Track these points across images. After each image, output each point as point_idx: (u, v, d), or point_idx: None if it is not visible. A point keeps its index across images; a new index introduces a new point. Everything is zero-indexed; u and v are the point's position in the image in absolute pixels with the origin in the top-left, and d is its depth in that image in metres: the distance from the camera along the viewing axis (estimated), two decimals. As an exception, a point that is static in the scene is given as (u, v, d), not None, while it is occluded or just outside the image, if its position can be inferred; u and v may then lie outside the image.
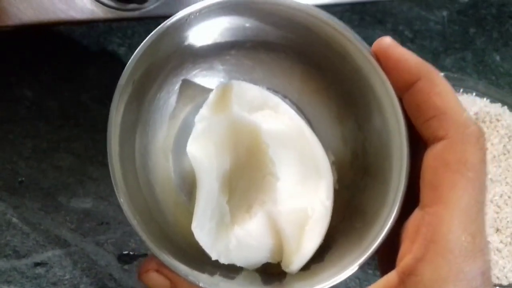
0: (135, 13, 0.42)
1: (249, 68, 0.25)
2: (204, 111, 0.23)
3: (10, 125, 0.43)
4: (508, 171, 0.42)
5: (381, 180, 0.23)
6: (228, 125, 0.23)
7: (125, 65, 0.49)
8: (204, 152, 0.23)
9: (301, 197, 0.22)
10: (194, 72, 0.26)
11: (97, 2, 0.41)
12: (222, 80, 0.25)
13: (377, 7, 0.57)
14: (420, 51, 0.54)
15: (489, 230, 0.39)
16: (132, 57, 0.25)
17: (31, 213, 0.39)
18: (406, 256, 0.20)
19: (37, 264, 0.37)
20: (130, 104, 0.25)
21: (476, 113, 0.44)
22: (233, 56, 0.25)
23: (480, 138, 0.20)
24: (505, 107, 0.46)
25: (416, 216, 0.21)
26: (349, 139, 0.26)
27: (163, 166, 0.25)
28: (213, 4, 0.23)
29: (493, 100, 0.46)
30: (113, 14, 0.42)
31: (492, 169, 0.42)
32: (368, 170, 0.25)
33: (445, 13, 0.58)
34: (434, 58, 0.54)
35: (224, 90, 0.23)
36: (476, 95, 0.46)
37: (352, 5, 0.56)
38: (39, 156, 0.41)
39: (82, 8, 0.41)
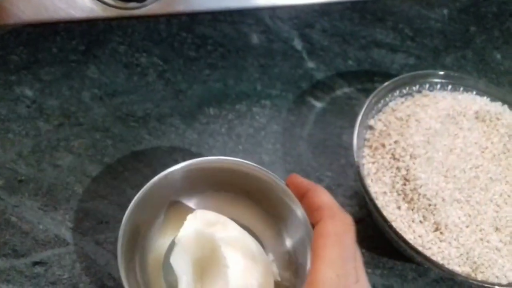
0: (135, 12, 0.42)
1: (212, 202, 0.39)
2: (180, 233, 0.34)
3: (10, 124, 0.43)
4: (508, 170, 0.41)
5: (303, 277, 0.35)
6: (195, 237, 0.34)
7: (125, 63, 0.49)
8: (181, 260, 0.34)
9: (244, 278, 0.33)
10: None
11: (96, 1, 0.41)
12: (193, 208, 0.38)
13: (378, 5, 0.57)
14: (421, 49, 0.54)
15: (489, 229, 0.38)
16: (125, 215, 0.34)
17: (31, 212, 0.39)
18: None
19: (36, 263, 0.37)
20: (129, 241, 0.34)
21: (476, 112, 0.44)
22: (201, 195, 0.39)
23: (336, 218, 0.30)
24: (506, 105, 0.45)
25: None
26: (283, 244, 0.38)
27: (156, 274, 0.36)
28: (192, 163, 0.37)
29: (494, 98, 0.45)
30: (113, 13, 0.42)
31: (492, 168, 0.41)
32: (297, 270, 0.36)
33: (445, 11, 0.58)
34: (434, 56, 0.54)
35: (193, 216, 0.35)
36: (477, 93, 0.46)
37: (352, 3, 0.56)
38: (38, 155, 0.41)
39: (82, 6, 0.41)
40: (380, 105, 0.44)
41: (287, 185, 0.35)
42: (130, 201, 0.35)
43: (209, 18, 0.53)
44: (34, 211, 0.39)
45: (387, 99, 0.44)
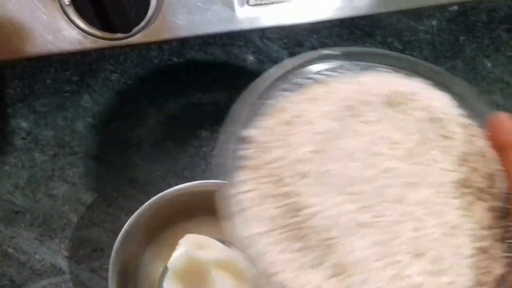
0: (123, 42, 0.43)
1: (205, 225, 0.38)
2: (172, 258, 0.36)
3: (7, 157, 0.44)
4: (430, 166, 0.30)
5: None
6: (187, 262, 0.35)
7: (118, 91, 0.50)
8: (174, 285, 0.35)
9: None
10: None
11: (85, 33, 0.42)
12: (186, 232, 0.39)
13: (366, 20, 0.58)
14: (410, 62, 0.54)
15: (406, 258, 0.27)
16: (116, 243, 0.35)
17: (27, 243, 0.39)
18: None
19: (33, 293, 0.38)
20: (121, 269, 0.35)
21: (386, 96, 0.32)
22: (194, 219, 0.40)
23: None
24: (425, 81, 0.34)
25: None
26: None
27: None
28: (184, 188, 0.38)
29: (409, 74, 0.34)
30: (101, 44, 0.43)
31: (407, 169, 0.29)
32: None
33: (434, 22, 0.58)
34: (424, 68, 0.54)
35: (184, 240, 0.37)
36: (388, 71, 0.34)
37: (341, 20, 0.57)
38: (34, 185, 0.42)
39: (70, 39, 0.42)
40: (260, 106, 0.31)
41: (489, 124, 0.27)
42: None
43: (199, 42, 0.54)
44: (31, 242, 0.39)
45: (267, 95, 0.31)
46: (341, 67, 0.33)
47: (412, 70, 0.34)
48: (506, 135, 0.28)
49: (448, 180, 0.30)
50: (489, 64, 0.55)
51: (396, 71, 0.34)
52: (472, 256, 0.28)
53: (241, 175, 0.28)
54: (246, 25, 0.47)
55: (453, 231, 0.28)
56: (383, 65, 0.34)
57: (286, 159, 0.28)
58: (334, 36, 0.56)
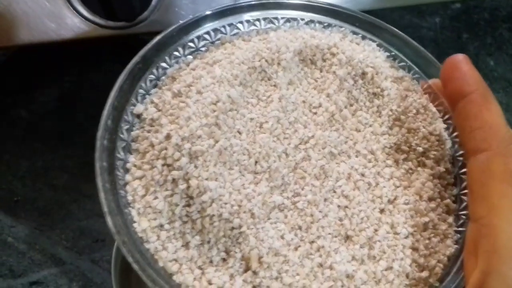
0: (126, 31, 0.43)
1: None
2: None
3: (6, 146, 0.43)
4: (359, 131, 0.26)
5: None
6: None
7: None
8: None
9: None
10: None
11: (87, 21, 0.41)
12: None
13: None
14: (413, 58, 0.54)
15: (333, 243, 0.23)
16: None
17: (27, 232, 0.39)
18: (473, 272, 0.20)
19: (33, 283, 0.37)
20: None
21: (299, 52, 0.27)
22: None
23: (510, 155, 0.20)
24: (346, 29, 0.29)
25: (471, 230, 0.21)
26: None
27: None
28: None
29: (326, 24, 0.29)
30: (104, 32, 0.43)
31: (331, 136, 0.25)
32: None
33: (437, 19, 0.58)
34: (427, 64, 0.54)
35: None
36: (302, 23, 0.29)
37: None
38: (34, 175, 0.42)
39: (72, 27, 0.41)
40: (153, 76, 0.27)
41: (442, 71, 0.23)
42: (125, 218, 0.35)
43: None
44: (31, 231, 0.39)
45: (163, 64, 0.27)
46: (244, 22, 0.28)
47: (328, 15, 0.29)
48: (461, 81, 0.22)
49: (379, 145, 0.25)
50: (491, 63, 0.55)
51: (308, 24, 0.28)
52: (411, 235, 0.23)
53: (132, 160, 0.24)
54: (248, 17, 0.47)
55: (387, 207, 0.24)
56: (292, 16, 0.28)
57: (175, 137, 0.23)
58: (337, 31, 0.56)
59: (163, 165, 0.23)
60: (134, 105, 0.26)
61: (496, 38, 0.57)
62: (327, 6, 0.29)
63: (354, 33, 0.29)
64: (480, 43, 0.57)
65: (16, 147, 0.43)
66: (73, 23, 0.41)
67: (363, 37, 0.29)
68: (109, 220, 0.22)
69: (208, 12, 0.28)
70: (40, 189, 0.41)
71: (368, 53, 0.28)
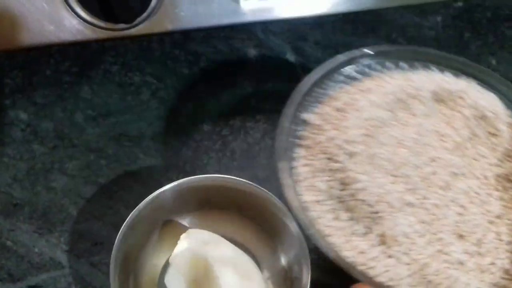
0: (125, 33, 0.43)
1: (205, 220, 0.39)
2: (174, 253, 0.35)
3: (5, 148, 0.43)
4: (476, 160, 0.32)
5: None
6: (189, 257, 0.34)
7: (118, 83, 0.49)
8: (176, 281, 0.34)
9: None
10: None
11: (86, 23, 0.41)
12: (187, 226, 0.38)
13: (370, 15, 0.57)
14: (415, 58, 0.54)
15: (450, 238, 0.30)
16: (117, 237, 0.34)
17: (26, 236, 0.39)
18: None
19: (31, 287, 0.37)
20: (123, 263, 0.34)
21: (434, 93, 0.36)
22: (195, 213, 0.39)
23: None
24: (471, 81, 0.37)
25: None
26: (278, 260, 0.37)
27: None
28: (185, 182, 0.37)
29: (457, 73, 0.37)
30: (103, 34, 0.42)
31: (455, 160, 0.32)
32: (293, 285, 0.35)
33: (439, 18, 0.58)
34: (428, 64, 0.53)
35: (186, 235, 0.36)
36: (436, 69, 0.38)
37: (344, 14, 0.56)
38: (33, 178, 0.42)
39: (71, 29, 0.41)
40: (318, 94, 0.36)
41: None
42: (124, 221, 0.35)
43: (202, 34, 0.53)
44: (29, 235, 0.39)
45: (324, 86, 0.36)
46: (390, 62, 0.38)
47: (459, 70, 0.37)
48: None
49: (492, 174, 0.32)
50: (494, 61, 0.54)
51: (442, 70, 0.37)
52: (511, 243, 0.30)
53: (300, 152, 0.33)
54: (249, 18, 0.47)
55: (495, 220, 0.31)
56: (430, 64, 0.38)
57: (338, 139, 0.33)
58: (338, 30, 0.56)
59: (325, 158, 0.32)
60: (303, 113, 0.35)
61: (498, 37, 0.57)
62: (459, 59, 0.39)
63: (478, 83, 0.37)
64: (482, 42, 0.56)
65: (15, 150, 0.43)
66: (72, 25, 0.41)
67: (485, 87, 0.37)
68: (286, 191, 0.31)
69: (365, 50, 0.38)
70: (39, 192, 0.41)
71: (490, 100, 0.36)
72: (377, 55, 0.37)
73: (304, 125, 0.35)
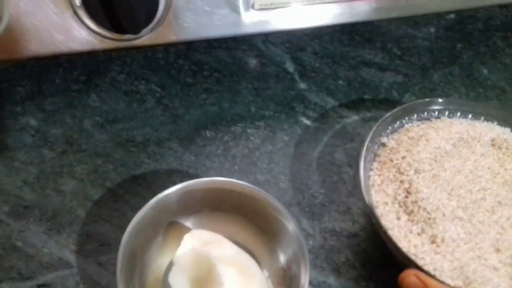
0: (131, 43, 0.44)
1: (208, 221, 0.40)
2: (178, 253, 0.37)
3: (16, 153, 0.45)
4: None
5: None
6: (192, 256, 0.36)
7: (125, 91, 0.51)
8: (180, 280, 0.36)
9: None
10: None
11: (94, 34, 0.43)
12: (190, 227, 0.40)
13: (366, 26, 0.59)
14: (409, 67, 0.56)
15: (489, 249, 0.38)
16: (123, 238, 0.36)
17: (35, 237, 0.40)
18: None
19: (40, 286, 0.38)
20: (128, 263, 0.36)
21: (492, 139, 0.45)
22: (198, 215, 0.41)
23: None
24: None
25: None
26: (277, 259, 0.39)
27: None
28: (188, 185, 0.39)
29: None
30: (110, 44, 0.44)
31: (501, 192, 0.41)
32: (291, 284, 0.37)
33: (432, 29, 0.60)
34: (422, 73, 0.55)
35: (189, 235, 0.37)
36: (498, 123, 0.47)
37: (342, 26, 0.58)
38: (43, 181, 0.43)
39: (80, 39, 0.43)
40: (395, 125, 0.46)
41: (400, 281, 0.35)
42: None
43: (205, 45, 0.56)
44: (39, 236, 0.40)
45: (403, 120, 0.46)
46: (460, 111, 0.47)
47: None
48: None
49: None
50: (485, 71, 0.56)
51: (502, 125, 0.47)
52: None
53: (375, 165, 0.43)
54: (251, 29, 0.49)
55: None
56: (492, 117, 0.47)
57: (407, 159, 0.42)
58: (335, 41, 0.58)
59: (396, 171, 0.42)
60: (382, 137, 0.45)
61: (490, 47, 0.59)
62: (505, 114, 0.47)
63: None
64: (474, 52, 0.58)
65: (25, 154, 0.45)
66: (80, 35, 0.42)
67: None
68: (363, 187, 0.40)
69: (440, 100, 0.47)
70: (48, 195, 0.43)
71: None
72: (449, 104, 0.47)
73: (382, 146, 0.45)
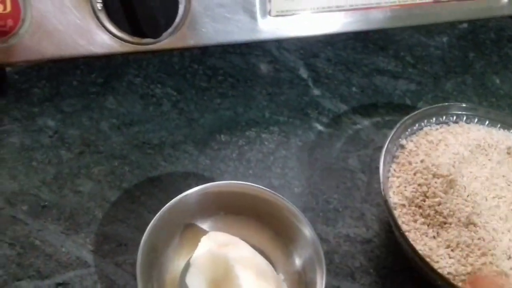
0: (150, 47, 0.45)
1: (224, 224, 0.41)
2: (195, 254, 0.37)
3: (34, 153, 0.45)
4: None
5: None
6: (209, 258, 0.37)
7: (141, 94, 0.52)
8: (197, 281, 0.37)
9: None
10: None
11: (114, 37, 0.44)
12: (207, 230, 0.40)
13: (379, 34, 0.60)
14: (422, 76, 0.56)
15: (501, 256, 0.39)
16: (143, 238, 0.36)
17: (54, 236, 0.41)
18: None
19: (59, 285, 0.39)
20: (147, 263, 0.36)
21: (509, 148, 0.45)
22: (214, 217, 0.41)
23: None
24: None
25: None
26: (293, 263, 0.39)
27: None
28: (205, 188, 0.40)
29: None
30: (130, 48, 0.45)
31: None
32: (308, 286, 0.38)
33: (445, 39, 0.61)
34: (435, 82, 0.56)
35: (206, 237, 0.38)
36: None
37: (355, 33, 0.59)
38: (61, 181, 0.44)
39: (101, 43, 0.44)
40: (414, 128, 0.46)
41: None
42: (147, 224, 0.37)
43: (219, 50, 0.56)
44: (57, 235, 0.41)
45: (422, 124, 0.47)
46: (477, 117, 0.47)
47: None
48: None
49: None
50: (497, 81, 0.57)
51: None
52: None
53: (394, 167, 0.44)
54: (267, 35, 0.49)
55: None
56: (509, 126, 0.47)
57: (426, 163, 0.43)
58: (349, 48, 0.58)
59: (414, 174, 0.43)
60: (401, 139, 0.45)
61: (502, 57, 0.60)
62: None
63: None
64: (486, 62, 0.59)
65: (43, 155, 0.45)
66: (101, 39, 0.43)
67: None
68: (382, 188, 0.40)
69: (462, 105, 0.48)
70: (66, 195, 0.43)
71: None
72: (467, 110, 0.48)
73: (401, 148, 0.45)
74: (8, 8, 0.41)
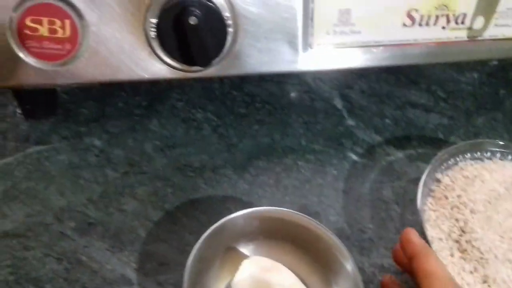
0: (197, 74, 0.47)
1: (263, 249, 0.42)
2: (237, 278, 0.38)
3: (81, 171, 0.47)
4: None
5: None
6: (251, 282, 0.38)
7: (183, 118, 0.53)
8: None
9: None
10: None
11: (165, 64, 0.46)
12: (247, 254, 0.42)
13: (412, 68, 0.61)
14: (453, 111, 0.58)
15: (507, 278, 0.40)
16: (189, 259, 0.37)
17: (99, 253, 0.42)
18: None
19: (104, 300, 0.40)
20: (191, 282, 0.37)
21: None
22: (254, 242, 0.42)
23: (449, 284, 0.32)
24: None
25: None
26: None
27: None
28: (251, 212, 0.41)
29: None
30: (178, 74, 0.47)
31: None
32: None
33: (476, 75, 0.62)
34: (466, 117, 0.57)
35: (248, 261, 0.40)
36: None
37: (388, 67, 0.61)
38: (106, 200, 0.46)
39: (152, 69, 0.46)
40: (450, 163, 0.47)
41: (400, 239, 0.37)
42: (188, 245, 0.38)
43: (257, 78, 0.58)
44: (102, 252, 0.42)
45: (457, 158, 0.48)
46: (507, 154, 0.49)
47: None
48: (414, 246, 0.36)
49: None
50: (527, 118, 0.58)
51: None
52: None
53: (430, 200, 0.45)
54: (306, 68, 0.51)
55: None
56: None
57: (463, 198, 0.44)
58: (382, 81, 0.60)
59: (451, 209, 0.44)
60: (437, 173, 0.47)
61: (531, 95, 0.61)
62: None
63: None
64: (516, 99, 0.60)
65: (90, 173, 0.47)
66: (153, 65, 0.45)
67: None
68: (422, 220, 0.42)
69: (497, 142, 0.49)
70: (111, 214, 0.45)
71: None
72: (501, 147, 0.49)
73: (437, 182, 0.46)
74: (67, 33, 0.44)
